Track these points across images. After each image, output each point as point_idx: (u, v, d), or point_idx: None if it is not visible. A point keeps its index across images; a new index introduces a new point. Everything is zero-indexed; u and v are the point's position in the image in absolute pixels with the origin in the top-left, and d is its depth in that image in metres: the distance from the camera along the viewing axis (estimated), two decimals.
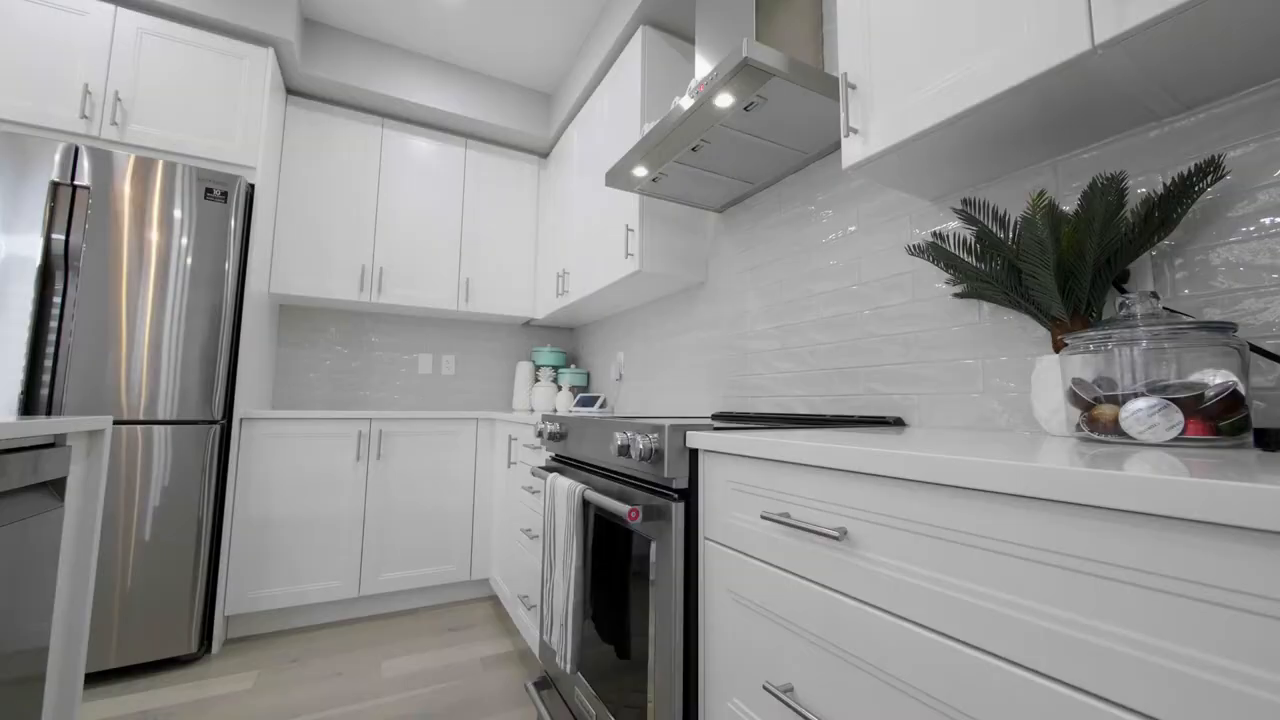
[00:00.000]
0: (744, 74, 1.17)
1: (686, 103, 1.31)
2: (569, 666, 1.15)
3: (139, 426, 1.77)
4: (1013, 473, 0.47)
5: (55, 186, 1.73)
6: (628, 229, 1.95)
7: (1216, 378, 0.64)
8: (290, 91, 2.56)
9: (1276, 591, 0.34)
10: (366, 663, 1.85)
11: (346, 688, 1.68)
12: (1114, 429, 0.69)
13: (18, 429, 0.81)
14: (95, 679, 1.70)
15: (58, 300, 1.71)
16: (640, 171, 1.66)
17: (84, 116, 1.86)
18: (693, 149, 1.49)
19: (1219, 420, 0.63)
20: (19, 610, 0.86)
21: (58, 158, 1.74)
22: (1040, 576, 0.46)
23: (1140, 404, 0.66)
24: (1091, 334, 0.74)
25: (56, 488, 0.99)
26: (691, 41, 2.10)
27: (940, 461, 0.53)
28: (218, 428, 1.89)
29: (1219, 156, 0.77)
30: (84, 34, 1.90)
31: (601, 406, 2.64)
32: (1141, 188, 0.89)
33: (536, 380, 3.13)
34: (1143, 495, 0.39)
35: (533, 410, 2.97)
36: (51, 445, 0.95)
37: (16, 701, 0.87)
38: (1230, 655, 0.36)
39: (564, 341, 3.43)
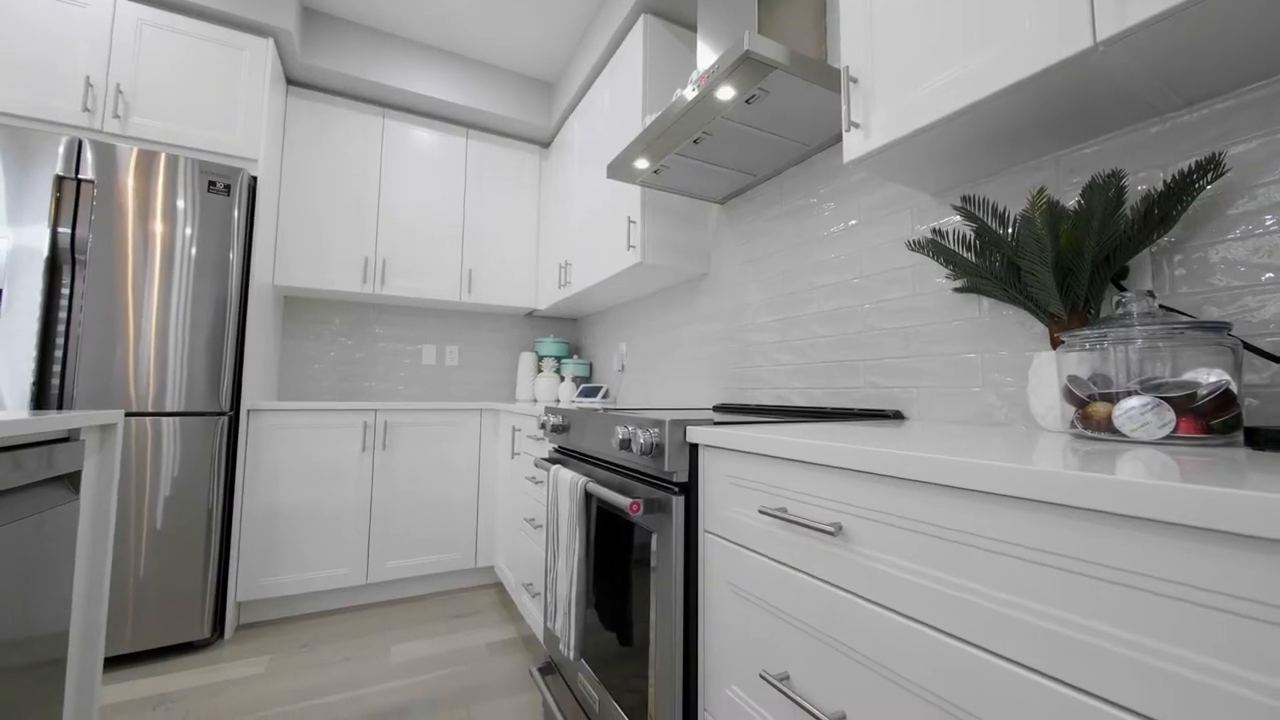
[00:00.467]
0: (745, 67, 1.16)
1: (688, 95, 1.31)
2: (572, 653, 1.18)
3: (148, 419, 1.80)
4: (1004, 474, 0.48)
5: (60, 180, 1.73)
6: (629, 220, 1.95)
7: (1210, 376, 0.65)
8: (291, 82, 2.55)
9: (1268, 596, 0.35)
10: (375, 648, 1.89)
11: (356, 672, 1.73)
12: (1107, 426, 0.70)
13: (33, 425, 0.83)
14: (112, 663, 1.75)
15: (65, 293, 1.73)
16: (642, 163, 1.66)
17: (86, 109, 1.86)
18: (694, 141, 1.49)
19: (1211, 419, 0.64)
20: (40, 598, 0.89)
21: (61, 151, 1.74)
22: (1036, 576, 0.47)
23: (1133, 402, 0.67)
24: (1087, 333, 0.74)
25: (71, 481, 1.01)
26: (693, 29, 2.08)
27: (934, 461, 0.54)
28: (225, 419, 1.91)
29: (1220, 153, 0.77)
30: (84, 26, 1.89)
31: (604, 397, 2.66)
32: (1142, 184, 0.89)
33: (539, 371, 3.15)
34: (1134, 500, 0.40)
35: (535, 401, 2.99)
36: (66, 440, 0.97)
37: (41, 683, 0.90)
38: (1227, 658, 0.36)
39: (566, 332, 3.44)
